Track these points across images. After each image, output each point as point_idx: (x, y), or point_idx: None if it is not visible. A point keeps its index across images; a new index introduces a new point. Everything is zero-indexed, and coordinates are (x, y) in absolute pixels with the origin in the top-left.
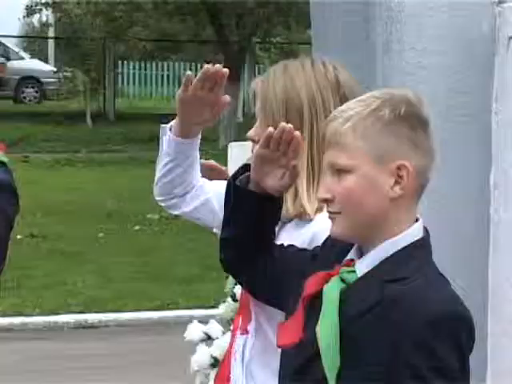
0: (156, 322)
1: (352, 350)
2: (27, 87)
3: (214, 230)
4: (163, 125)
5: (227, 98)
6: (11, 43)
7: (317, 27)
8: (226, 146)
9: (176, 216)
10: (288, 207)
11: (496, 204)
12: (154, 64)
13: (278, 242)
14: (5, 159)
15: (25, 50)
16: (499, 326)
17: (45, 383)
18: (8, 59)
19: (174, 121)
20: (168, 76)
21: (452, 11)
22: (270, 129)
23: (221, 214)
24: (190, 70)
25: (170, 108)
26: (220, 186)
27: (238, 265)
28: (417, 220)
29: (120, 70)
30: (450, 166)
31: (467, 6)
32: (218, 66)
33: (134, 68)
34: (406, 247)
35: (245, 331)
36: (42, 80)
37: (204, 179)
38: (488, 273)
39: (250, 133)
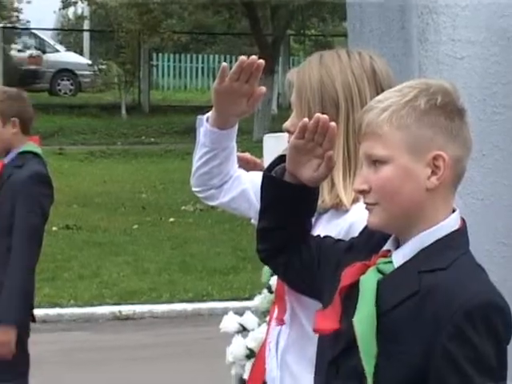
0: (190, 313)
1: (388, 339)
2: (63, 80)
3: (252, 221)
4: (200, 116)
5: (263, 88)
6: (47, 36)
7: (353, 19)
8: (261, 138)
9: (212, 207)
10: (324, 198)
11: None
12: (188, 56)
13: (315, 233)
14: (38, 151)
15: (60, 42)
16: None
17: (80, 374)
18: (44, 52)
19: (210, 112)
20: (202, 68)
21: (488, 1)
22: (305, 119)
23: (257, 205)
24: (225, 62)
25: (204, 100)
26: (257, 177)
27: (275, 255)
28: (454, 210)
29: (155, 62)
30: (487, 156)
31: None
32: (253, 57)
33: (168, 60)
34: (442, 238)
35: (280, 321)
36: (78, 72)
37: (241, 170)
38: None
39: (286, 124)
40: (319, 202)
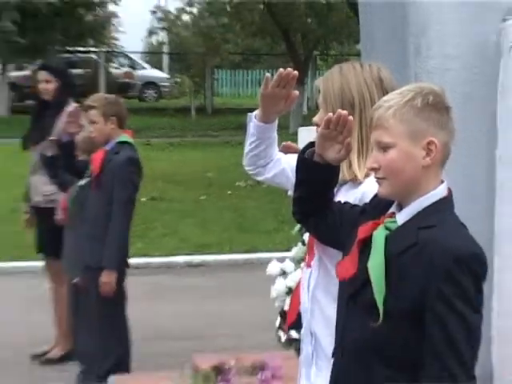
0: (245, 261)
1: (395, 279)
2: (148, 89)
3: (289, 193)
4: (249, 113)
5: (296, 92)
6: (137, 57)
7: (365, 41)
8: (296, 131)
9: (259, 182)
10: (344, 173)
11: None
12: (241, 71)
13: (336, 200)
14: (131, 141)
15: (146, 62)
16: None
17: (163, 306)
18: (134, 69)
19: (256, 110)
20: (252, 80)
21: (471, 24)
22: (330, 114)
23: (293, 179)
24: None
25: (253, 104)
26: (292, 159)
27: (307, 217)
28: (442, 182)
29: (216, 76)
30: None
31: (483, 20)
32: (289, 69)
33: (226, 74)
34: (434, 203)
35: (310, 266)
36: (159, 84)
37: (281, 153)
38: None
39: (315, 119)
40: (340, 176)
